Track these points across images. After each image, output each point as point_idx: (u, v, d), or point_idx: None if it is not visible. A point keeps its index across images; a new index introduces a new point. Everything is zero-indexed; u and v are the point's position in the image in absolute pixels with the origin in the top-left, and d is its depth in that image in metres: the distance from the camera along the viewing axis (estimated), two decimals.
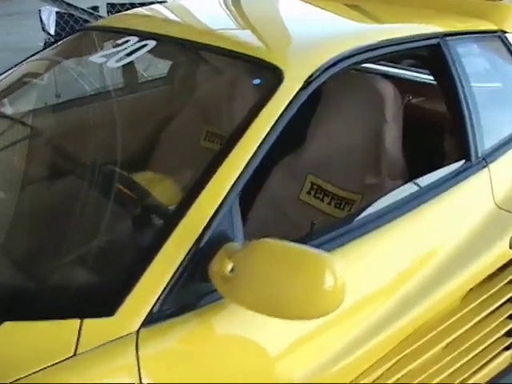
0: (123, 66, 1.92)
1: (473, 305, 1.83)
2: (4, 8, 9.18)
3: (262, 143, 1.50)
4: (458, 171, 1.94)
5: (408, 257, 1.77)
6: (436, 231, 1.85)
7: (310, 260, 1.22)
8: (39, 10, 5.30)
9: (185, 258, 1.33)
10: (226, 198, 1.41)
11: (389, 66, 2.62)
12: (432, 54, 2.02)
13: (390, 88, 2.10)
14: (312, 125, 2.29)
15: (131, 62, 1.98)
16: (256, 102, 1.59)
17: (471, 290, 1.86)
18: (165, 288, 1.30)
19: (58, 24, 5.11)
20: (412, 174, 2.07)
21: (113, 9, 5.29)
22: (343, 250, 1.59)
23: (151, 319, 1.28)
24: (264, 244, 1.27)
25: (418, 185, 1.93)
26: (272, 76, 1.64)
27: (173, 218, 1.39)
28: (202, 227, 1.36)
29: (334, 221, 1.89)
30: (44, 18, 5.25)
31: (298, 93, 1.61)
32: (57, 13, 5.15)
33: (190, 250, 1.34)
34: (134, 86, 2.06)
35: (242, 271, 1.26)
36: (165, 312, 1.30)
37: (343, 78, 2.17)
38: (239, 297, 1.27)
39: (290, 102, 1.59)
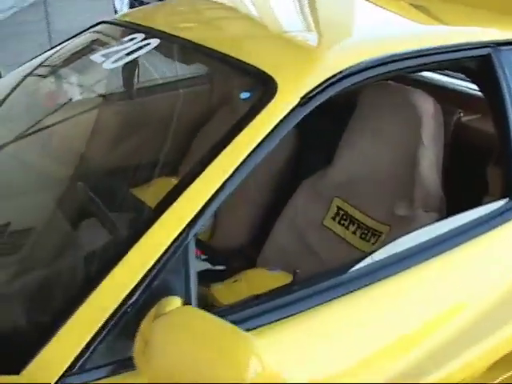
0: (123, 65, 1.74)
1: (499, 379, 1.50)
2: None
3: (231, 175, 1.25)
4: (499, 211, 1.60)
5: (427, 312, 1.47)
6: (464, 283, 1.54)
7: (235, 345, 0.97)
8: None
9: (117, 309, 1.11)
10: (176, 240, 1.18)
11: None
12: (481, 66, 1.68)
13: (430, 104, 1.77)
14: (342, 141, 2.00)
15: (133, 62, 1.78)
16: (238, 120, 1.34)
17: (498, 360, 1.52)
18: (88, 344, 1.09)
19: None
20: (452, 207, 1.76)
21: None
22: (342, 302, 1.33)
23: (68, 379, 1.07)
24: (183, 315, 1.03)
25: (451, 223, 1.61)
26: (264, 88, 1.38)
27: (107, 262, 1.17)
28: (142, 274, 1.14)
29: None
30: (116, 3, 5.20)
31: (292, 110, 1.34)
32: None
33: (124, 301, 1.12)
34: (130, 89, 1.84)
35: (154, 343, 1.02)
36: (87, 372, 1.09)
37: (377, 89, 1.88)
38: (148, 373, 1.03)
39: (281, 122, 1.33)
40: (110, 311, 1.11)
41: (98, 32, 2.05)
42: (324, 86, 1.39)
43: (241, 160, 1.26)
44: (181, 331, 1.01)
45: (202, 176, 1.24)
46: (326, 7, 2.11)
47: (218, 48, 1.55)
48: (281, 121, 1.33)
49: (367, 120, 1.93)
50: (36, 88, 1.93)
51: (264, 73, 1.41)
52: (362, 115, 1.94)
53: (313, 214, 2.02)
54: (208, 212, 1.22)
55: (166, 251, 1.16)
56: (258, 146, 1.29)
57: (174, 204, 1.21)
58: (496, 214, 1.59)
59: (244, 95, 1.40)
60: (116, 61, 1.71)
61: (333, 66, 1.42)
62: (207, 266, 2.10)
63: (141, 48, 1.74)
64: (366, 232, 1.90)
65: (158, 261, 1.15)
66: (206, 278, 1.89)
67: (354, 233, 1.92)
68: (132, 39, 1.80)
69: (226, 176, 1.25)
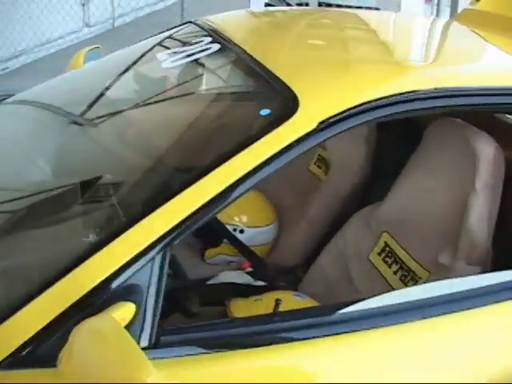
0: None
1: None
2: None
3: (216, 196, 1.22)
4: None
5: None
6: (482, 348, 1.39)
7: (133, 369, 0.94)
8: (249, 0, 5.38)
9: (72, 306, 1.13)
10: (145, 251, 1.17)
11: None
12: None
13: (491, 149, 1.62)
14: (401, 175, 1.89)
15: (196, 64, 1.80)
16: (248, 135, 1.31)
17: None
18: (35, 336, 1.11)
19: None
20: (498, 263, 1.61)
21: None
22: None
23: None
24: (103, 324, 1.01)
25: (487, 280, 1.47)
26: (285, 107, 1.34)
27: (74, 260, 1.18)
28: (104, 277, 1.15)
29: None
30: (252, 7, 5.29)
31: (305, 135, 1.29)
32: (265, 4, 5.16)
33: (79, 301, 1.13)
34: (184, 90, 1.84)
35: (70, 344, 1.02)
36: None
37: (442, 125, 1.76)
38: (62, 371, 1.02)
39: (290, 146, 1.27)
40: (65, 307, 1.12)
41: (180, 31, 2.10)
42: (345, 114, 1.31)
43: (230, 183, 1.22)
44: (93, 339, 1.00)
45: (182, 193, 1.22)
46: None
47: (263, 61, 1.53)
48: (291, 144, 1.27)
49: (427, 157, 1.81)
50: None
51: (291, 91, 1.36)
52: (423, 151, 1.82)
53: (361, 245, 1.93)
54: (182, 231, 1.19)
55: (133, 260, 1.16)
56: (257, 168, 1.25)
57: (151, 215, 1.20)
58: None
59: (264, 112, 1.36)
60: (175, 61, 1.74)
61: (360, 95, 1.34)
62: (247, 279, 2.08)
63: (201, 51, 1.75)
64: (406, 274, 1.78)
65: (123, 267, 1.15)
66: (238, 291, 1.89)
67: (395, 273, 1.81)
68: (199, 42, 1.83)
69: (209, 197, 1.21)
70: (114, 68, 2.07)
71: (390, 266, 1.83)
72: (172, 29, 2.16)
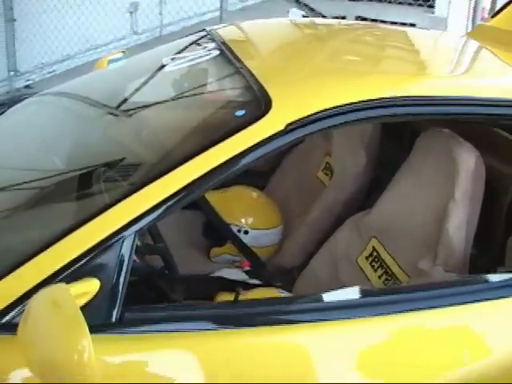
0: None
1: None
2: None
3: (184, 187, 1.31)
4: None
5: None
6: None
7: (71, 327, 1.04)
8: (287, 11, 5.49)
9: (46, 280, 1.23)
10: (114, 234, 1.27)
11: None
12: None
13: (472, 160, 1.66)
14: (392, 181, 1.94)
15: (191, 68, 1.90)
16: (220, 134, 1.39)
17: None
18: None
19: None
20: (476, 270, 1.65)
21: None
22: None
23: None
24: (55, 292, 1.11)
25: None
26: (259, 108, 1.42)
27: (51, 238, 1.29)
28: (75, 256, 1.25)
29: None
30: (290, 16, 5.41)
31: (273, 136, 1.36)
32: (303, 16, 5.25)
33: (53, 275, 1.24)
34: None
35: (27, 310, 1.12)
36: None
37: (431, 135, 1.81)
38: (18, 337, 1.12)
39: (257, 145, 1.35)
40: (39, 280, 1.23)
41: (194, 37, 2.21)
42: (313, 118, 1.38)
43: (195, 177, 1.30)
44: (46, 307, 1.10)
45: (153, 184, 1.31)
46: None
47: (250, 67, 1.61)
48: (258, 143, 1.35)
49: (414, 166, 1.86)
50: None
51: (266, 94, 1.45)
52: (411, 160, 1.87)
53: (350, 249, 1.99)
54: (151, 218, 1.28)
55: (104, 241, 1.25)
56: (222, 165, 1.33)
57: (122, 202, 1.29)
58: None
59: (239, 113, 1.44)
60: (176, 65, 1.85)
61: (328, 100, 1.41)
62: (242, 277, 2.16)
63: (202, 57, 1.85)
64: (389, 279, 1.83)
65: (95, 247, 1.25)
66: (228, 286, 1.96)
67: (380, 277, 1.87)
68: (204, 48, 1.94)
69: (177, 189, 1.30)
70: (130, 69, 2.20)
71: (375, 270, 1.89)
72: (189, 35, 2.28)
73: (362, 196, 2.27)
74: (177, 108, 1.74)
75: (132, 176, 1.44)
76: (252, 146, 1.34)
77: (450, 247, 1.67)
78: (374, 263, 1.91)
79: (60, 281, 1.22)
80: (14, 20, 5.12)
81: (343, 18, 5.34)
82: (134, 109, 1.83)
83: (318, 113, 1.38)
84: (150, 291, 1.61)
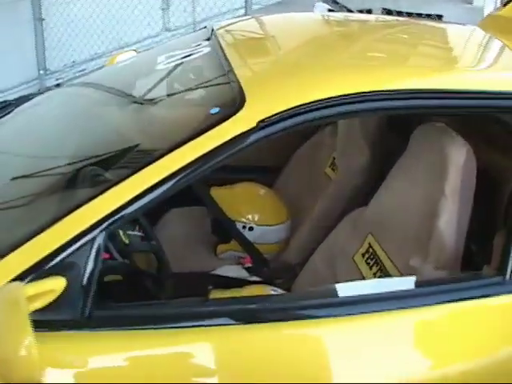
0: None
1: None
2: None
3: (154, 185, 1.31)
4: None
5: None
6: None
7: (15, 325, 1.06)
8: (313, 6, 5.42)
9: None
10: (85, 232, 1.28)
11: None
12: None
13: (462, 155, 1.62)
14: (388, 177, 1.91)
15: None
16: (194, 131, 1.39)
17: None
18: None
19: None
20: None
21: (388, 15, 5.03)
22: None
23: None
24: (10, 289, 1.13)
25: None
26: (233, 105, 1.41)
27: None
28: (46, 253, 1.26)
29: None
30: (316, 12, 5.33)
31: (245, 133, 1.35)
32: (328, 10, 5.18)
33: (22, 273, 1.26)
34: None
35: None
36: None
37: (425, 129, 1.77)
38: None
39: (227, 143, 1.35)
40: (10, 278, 1.25)
41: (194, 34, 2.22)
42: (287, 114, 1.36)
43: (164, 175, 1.30)
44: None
45: (123, 183, 1.31)
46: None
47: (233, 64, 1.61)
48: (228, 142, 1.34)
49: (408, 161, 1.82)
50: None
51: (242, 91, 1.44)
52: (407, 154, 1.84)
53: (348, 245, 1.97)
54: (119, 216, 1.29)
55: (73, 240, 1.27)
56: (193, 162, 1.32)
57: (94, 200, 1.30)
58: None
59: (213, 110, 1.43)
60: (168, 63, 1.85)
61: (303, 96, 1.39)
62: (243, 274, 2.16)
63: (193, 54, 1.85)
64: (382, 276, 1.80)
65: (63, 246, 1.26)
66: (223, 283, 1.96)
67: (375, 274, 1.84)
68: (198, 45, 1.94)
69: (148, 185, 1.30)
70: (132, 66, 2.22)
71: (371, 268, 1.86)
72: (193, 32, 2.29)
73: (366, 192, 2.24)
74: (155, 106, 1.74)
75: (103, 174, 1.45)
76: (222, 144, 1.33)
77: (441, 244, 1.63)
78: (369, 260, 1.88)
79: (30, 280, 1.24)
80: (43, 19, 5.20)
81: (368, 11, 5.26)
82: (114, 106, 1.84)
83: (290, 109, 1.36)
84: (135, 290, 1.61)
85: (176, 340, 1.29)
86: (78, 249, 1.27)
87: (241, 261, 2.31)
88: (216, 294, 1.83)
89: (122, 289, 1.56)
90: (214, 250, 2.46)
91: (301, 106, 1.37)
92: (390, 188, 1.87)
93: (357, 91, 1.39)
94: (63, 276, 1.25)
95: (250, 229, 2.38)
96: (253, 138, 1.35)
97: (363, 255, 1.91)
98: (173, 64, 1.86)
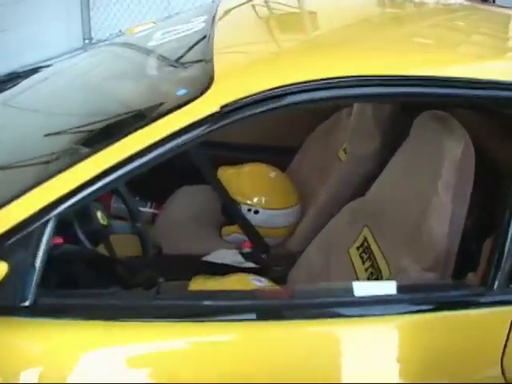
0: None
1: None
2: None
3: (109, 169, 1.23)
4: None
5: None
6: None
7: None
8: None
9: None
10: (35, 215, 1.22)
11: None
12: None
13: (459, 146, 1.48)
14: (386, 168, 1.79)
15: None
16: (156, 113, 1.30)
17: None
18: None
19: None
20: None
21: None
22: None
23: None
24: None
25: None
26: (202, 86, 1.31)
27: None
28: None
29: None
30: None
31: (205, 118, 1.25)
32: None
33: None
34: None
35: None
36: None
37: (426, 118, 1.64)
38: None
39: (189, 127, 1.25)
40: None
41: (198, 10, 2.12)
42: (252, 99, 1.26)
43: (121, 159, 1.22)
44: None
45: (78, 165, 1.24)
46: None
47: (216, 44, 1.51)
48: (189, 125, 1.25)
49: (407, 151, 1.70)
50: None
51: (213, 71, 1.34)
52: (407, 143, 1.71)
53: (344, 238, 1.86)
54: (68, 203, 1.22)
55: (20, 224, 1.21)
56: (150, 147, 1.24)
57: (44, 184, 1.24)
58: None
59: (180, 91, 1.34)
60: (162, 39, 1.77)
61: (277, 79, 1.28)
62: (237, 259, 2.08)
63: (187, 30, 1.77)
64: (373, 272, 1.69)
65: (9, 231, 1.21)
66: (208, 268, 1.89)
67: (366, 270, 1.73)
68: (195, 21, 1.84)
69: (102, 169, 1.22)
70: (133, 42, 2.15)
71: (363, 263, 1.75)
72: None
73: (373, 180, 2.12)
74: (129, 85, 1.66)
75: (56, 158, 1.38)
76: (182, 129, 1.24)
77: (430, 244, 1.51)
78: (363, 254, 1.77)
79: None
80: None
81: None
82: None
83: (256, 94, 1.26)
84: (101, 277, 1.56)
85: (121, 333, 1.23)
86: (23, 235, 1.21)
87: (240, 245, 2.22)
88: (197, 282, 1.77)
89: (89, 276, 1.50)
90: (219, 231, 2.39)
91: (273, 89, 1.26)
92: (387, 179, 1.75)
93: (330, 76, 1.27)
94: (5, 261, 1.20)
95: (256, 212, 2.30)
96: (214, 124, 1.26)
97: (358, 248, 1.80)
98: (165, 40, 1.78)
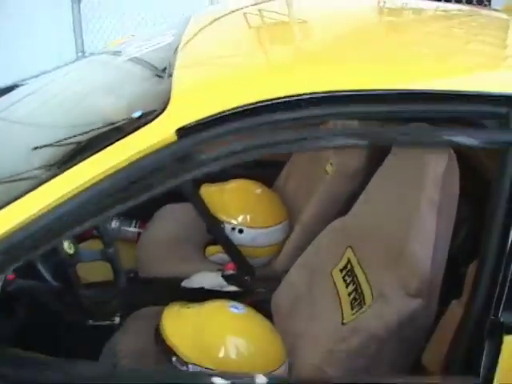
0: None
1: None
2: None
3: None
4: None
5: None
6: None
7: None
8: None
9: None
10: None
11: None
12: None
13: (442, 162, 1.37)
14: (370, 183, 1.68)
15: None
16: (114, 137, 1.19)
17: None
18: None
19: None
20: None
21: None
22: None
23: None
24: None
25: None
26: (159, 107, 1.20)
27: None
28: None
29: None
30: None
31: (158, 144, 1.14)
32: None
33: None
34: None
35: None
36: None
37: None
38: None
39: (138, 156, 1.13)
40: None
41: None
42: (210, 120, 1.15)
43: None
44: None
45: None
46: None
47: (180, 59, 1.40)
48: (138, 154, 1.13)
49: (389, 167, 1.59)
50: None
51: (170, 89, 1.23)
52: (389, 161, 1.60)
53: (327, 259, 1.76)
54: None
55: None
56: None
57: None
58: None
59: (136, 113, 1.22)
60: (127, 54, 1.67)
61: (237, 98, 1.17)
62: (219, 282, 1.97)
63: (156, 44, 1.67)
64: (356, 297, 1.59)
65: None
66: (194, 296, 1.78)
67: (349, 294, 1.62)
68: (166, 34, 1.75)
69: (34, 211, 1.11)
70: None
71: (347, 286, 1.64)
72: None
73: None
74: (87, 103, 1.55)
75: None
76: (131, 159, 1.13)
77: (412, 267, 1.40)
78: (346, 277, 1.66)
79: None
80: (81, 0, 5.10)
81: None
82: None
83: (215, 115, 1.15)
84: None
85: None
86: None
87: (224, 266, 2.11)
88: (172, 309, 1.66)
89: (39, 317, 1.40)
90: (203, 250, 2.28)
91: (228, 110, 1.15)
92: (369, 197, 1.64)
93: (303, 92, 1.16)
94: None
95: (240, 231, 2.20)
96: (170, 151, 1.14)
97: (341, 271, 1.69)
98: (134, 54, 1.67)
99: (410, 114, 1.23)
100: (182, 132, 1.14)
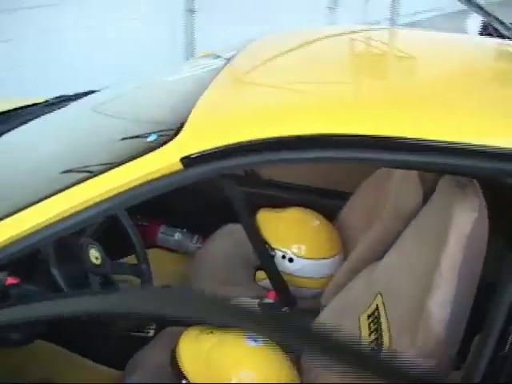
0: None
1: None
2: None
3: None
4: None
5: None
6: None
7: None
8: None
9: None
10: None
11: None
12: None
13: (468, 221, 1.28)
14: (405, 231, 1.60)
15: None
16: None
17: None
18: None
19: (480, 34, 4.60)
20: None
21: None
22: None
23: None
24: None
25: None
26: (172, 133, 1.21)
27: None
28: None
29: None
30: (468, 23, 4.82)
31: (162, 171, 1.15)
32: (482, 22, 4.63)
33: None
34: None
35: None
36: None
37: (448, 181, 1.46)
38: None
39: (142, 180, 1.15)
40: None
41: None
42: (214, 152, 1.14)
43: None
44: None
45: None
46: None
47: (212, 84, 1.41)
48: (143, 178, 1.15)
49: (423, 216, 1.51)
50: None
51: (187, 116, 1.24)
52: (424, 209, 1.52)
53: (358, 302, 1.69)
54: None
55: None
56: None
57: None
58: None
59: (151, 137, 1.24)
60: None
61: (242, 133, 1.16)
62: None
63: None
64: (375, 348, 1.52)
65: None
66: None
67: (370, 343, 1.55)
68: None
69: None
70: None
71: (370, 334, 1.58)
72: None
73: None
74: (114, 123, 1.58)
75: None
76: (138, 182, 1.15)
77: (429, 327, 1.32)
78: (371, 324, 1.60)
79: None
80: (194, 11, 5.20)
81: None
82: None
83: (223, 147, 1.14)
84: None
85: None
86: None
87: (264, 295, 2.10)
88: (190, 334, 1.65)
89: None
90: (254, 274, 2.28)
91: (238, 144, 1.14)
92: (401, 245, 1.56)
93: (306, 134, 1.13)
94: None
95: (290, 260, 2.17)
96: (173, 178, 1.15)
97: (368, 317, 1.62)
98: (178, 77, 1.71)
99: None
100: (186, 160, 1.15)
